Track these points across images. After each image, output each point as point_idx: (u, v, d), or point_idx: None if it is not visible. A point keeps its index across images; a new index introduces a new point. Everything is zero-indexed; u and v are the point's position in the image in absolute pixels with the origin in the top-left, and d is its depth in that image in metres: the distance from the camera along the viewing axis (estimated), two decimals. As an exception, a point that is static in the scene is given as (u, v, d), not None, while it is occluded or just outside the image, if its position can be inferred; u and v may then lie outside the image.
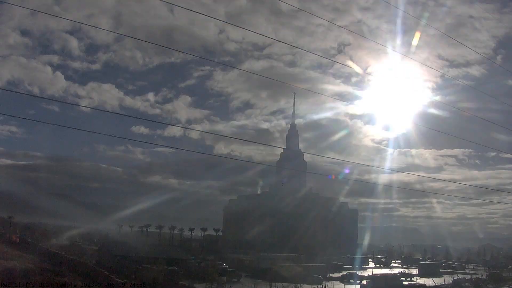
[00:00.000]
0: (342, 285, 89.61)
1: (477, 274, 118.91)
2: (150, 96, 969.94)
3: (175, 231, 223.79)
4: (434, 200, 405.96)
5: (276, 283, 76.85)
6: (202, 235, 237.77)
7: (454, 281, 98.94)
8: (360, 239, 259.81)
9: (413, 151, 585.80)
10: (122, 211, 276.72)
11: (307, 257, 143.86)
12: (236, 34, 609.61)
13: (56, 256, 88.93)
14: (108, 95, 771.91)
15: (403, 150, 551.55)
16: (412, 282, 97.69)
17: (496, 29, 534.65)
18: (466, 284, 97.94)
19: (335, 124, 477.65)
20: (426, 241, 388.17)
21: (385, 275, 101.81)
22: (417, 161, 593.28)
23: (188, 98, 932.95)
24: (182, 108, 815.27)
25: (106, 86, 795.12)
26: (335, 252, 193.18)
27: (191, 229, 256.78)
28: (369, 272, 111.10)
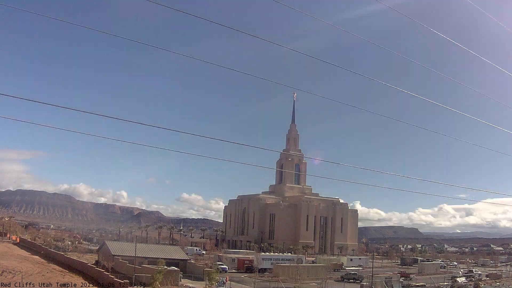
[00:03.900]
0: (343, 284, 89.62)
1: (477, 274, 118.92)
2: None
3: (175, 231, 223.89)
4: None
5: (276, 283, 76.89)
6: (202, 235, 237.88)
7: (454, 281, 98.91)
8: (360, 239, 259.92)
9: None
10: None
11: (307, 257, 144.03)
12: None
13: (56, 256, 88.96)
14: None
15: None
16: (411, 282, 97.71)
17: None
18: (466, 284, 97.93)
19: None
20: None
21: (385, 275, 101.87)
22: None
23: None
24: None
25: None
26: (335, 252, 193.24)
27: (190, 229, 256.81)
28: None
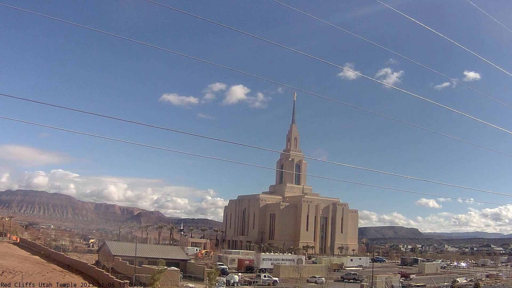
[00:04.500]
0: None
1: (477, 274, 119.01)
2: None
3: (175, 231, 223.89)
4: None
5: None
6: (202, 235, 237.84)
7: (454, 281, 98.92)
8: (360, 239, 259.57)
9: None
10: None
11: (307, 258, 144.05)
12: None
13: (56, 256, 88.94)
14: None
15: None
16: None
17: None
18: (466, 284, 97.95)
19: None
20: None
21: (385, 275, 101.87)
22: None
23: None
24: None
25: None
26: (336, 252, 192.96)
27: (190, 229, 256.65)
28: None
